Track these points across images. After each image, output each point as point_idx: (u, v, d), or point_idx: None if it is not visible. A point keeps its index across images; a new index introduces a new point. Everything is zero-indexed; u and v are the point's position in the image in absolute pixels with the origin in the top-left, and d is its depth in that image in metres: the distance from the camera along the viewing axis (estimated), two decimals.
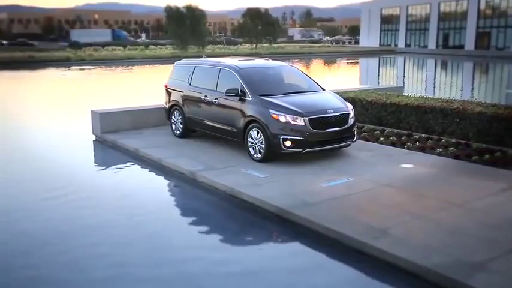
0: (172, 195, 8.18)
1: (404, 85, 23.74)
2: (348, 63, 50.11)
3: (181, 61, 11.78)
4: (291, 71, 10.75)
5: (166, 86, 11.49)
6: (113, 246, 5.83)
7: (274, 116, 8.51)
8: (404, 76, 35.54)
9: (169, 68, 12.86)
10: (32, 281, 5.08)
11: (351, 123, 9.04)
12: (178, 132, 11.03)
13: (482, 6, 63.38)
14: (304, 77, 10.44)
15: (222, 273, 5.19)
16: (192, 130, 10.86)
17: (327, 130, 8.62)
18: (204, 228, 6.53)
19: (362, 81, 31.72)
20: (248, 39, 68.85)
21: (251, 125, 8.86)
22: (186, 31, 55.83)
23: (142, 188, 8.12)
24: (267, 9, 69.50)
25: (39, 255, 5.62)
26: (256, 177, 7.86)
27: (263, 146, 8.66)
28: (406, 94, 13.65)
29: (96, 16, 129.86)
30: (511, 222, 5.97)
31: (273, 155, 8.70)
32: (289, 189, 7.25)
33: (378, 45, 78.78)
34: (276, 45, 71.13)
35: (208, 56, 12.51)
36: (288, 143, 8.45)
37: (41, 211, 7.04)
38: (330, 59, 56.04)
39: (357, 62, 51.41)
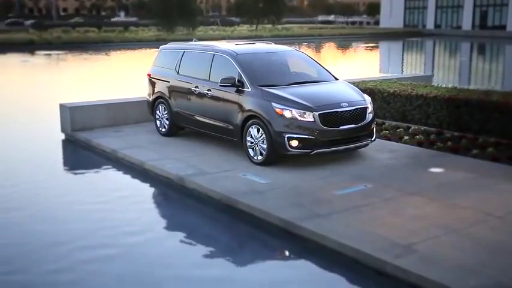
0: (156, 205, 8.18)
1: (433, 74, 23.72)
2: (366, 47, 50.14)
3: (167, 45, 11.81)
4: (298, 56, 10.77)
5: (149, 75, 11.50)
6: (84, 264, 5.83)
7: (278, 110, 8.52)
8: (433, 63, 35.56)
9: (153, 53, 12.88)
10: None
11: (369, 119, 9.05)
12: (163, 129, 11.05)
13: None
14: (313, 64, 10.45)
15: None
16: (180, 127, 10.89)
17: (341, 127, 8.63)
18: (195, 244, 6.53)
19: (383, 69, 31.75)
20: (247, 19, 68.88)
21: (250, 122, 8.87)
22: (173, 10, 55.80)
23: (121, 196, 8.11)
24: None
25: None
26: (256, 184, 7.87)
27: (265, 146, 8.67)
28: (436, 84, 13.65)
29: None
30: None
31: (276, 156, 8.72)
32: (295, 197, 7.26)
33: (402, 26, 78.75)
34: (280, 26, 71.15)
35: (199, 39, 12.54)
36: (295, 143, 8.45)
37: None
38: (344, 42, 56.10)
39: (376, 46, 51.46)
